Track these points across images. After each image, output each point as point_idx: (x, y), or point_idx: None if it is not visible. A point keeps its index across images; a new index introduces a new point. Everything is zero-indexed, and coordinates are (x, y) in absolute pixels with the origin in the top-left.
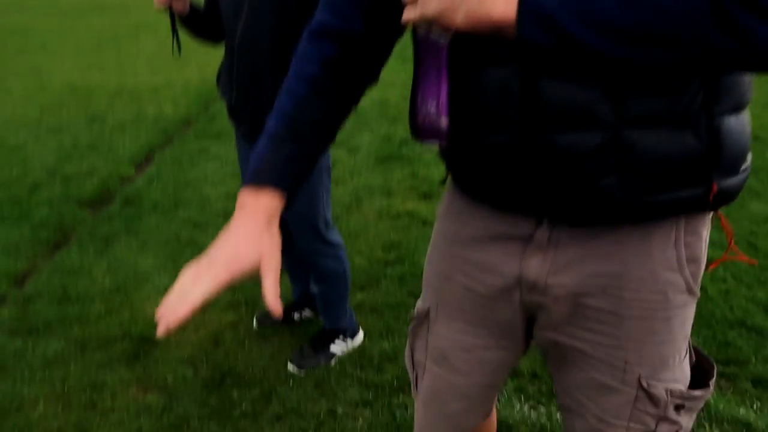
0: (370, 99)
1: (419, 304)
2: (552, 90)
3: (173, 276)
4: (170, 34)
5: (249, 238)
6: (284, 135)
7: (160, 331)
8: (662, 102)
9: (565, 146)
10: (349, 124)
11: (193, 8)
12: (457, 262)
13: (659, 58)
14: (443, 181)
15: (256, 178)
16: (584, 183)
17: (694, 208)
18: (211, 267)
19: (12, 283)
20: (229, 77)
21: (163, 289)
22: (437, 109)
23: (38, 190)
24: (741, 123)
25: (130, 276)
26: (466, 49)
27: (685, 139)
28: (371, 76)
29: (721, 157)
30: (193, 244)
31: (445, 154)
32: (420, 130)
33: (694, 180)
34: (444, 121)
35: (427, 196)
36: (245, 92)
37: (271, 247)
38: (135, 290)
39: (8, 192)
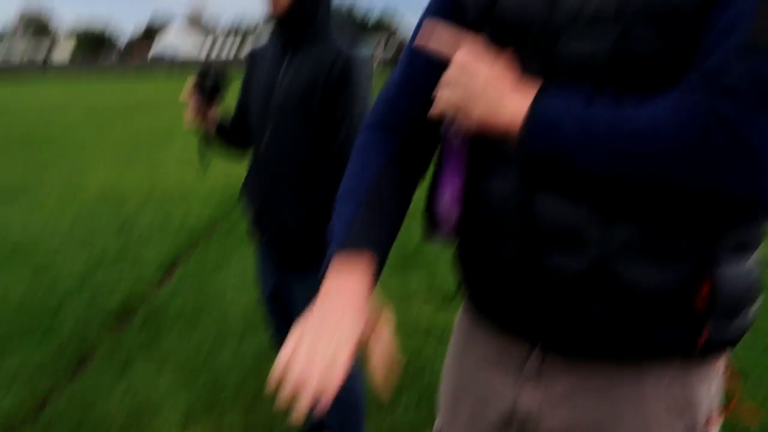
0: None
1: (437, 421)
2: (546, 206)
3: (186, 405)
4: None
5: (358, 303)
6: (367, 208)
7: (306, 406)
8: (652, 231)
9: (553, 267)
10: None
11: (220, 123)
12: (466, 381)
13: (647, 178)
14: (457, 290)
15: (353, 241)
16: (569, 309)
17: (683, 351)
18: (338, 329)
19: (30, 411)
20: (254, 185)
21: (174, 423)
22: (451, 202)
23: (64, 305)
24: (745, 264)
25: (144, 402)
26: (482, 151)
27: (675, 274)
28: (427, 163)
29: (716, 300)
30: (207, 370)
31: (456, 261)
32: (433, 221)
33: (683, 322)
34: (455, 214)
35: (444, 306)
36: (270, 199)
37: (375, 315)
38: (149, 420)
39: (35, 308)
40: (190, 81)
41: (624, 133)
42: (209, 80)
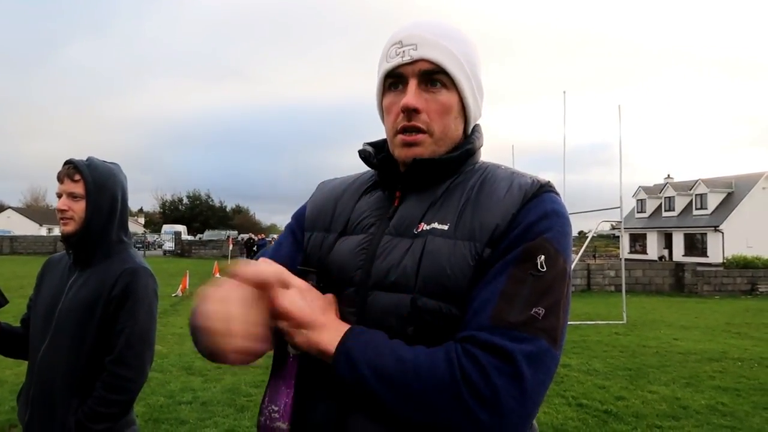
0: (221, 385)
1: None
2: (358, 428)
3: None
4: None
5: None
6: None
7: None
8: None
9: None
10: (193, 413)
11: (2, 327)
12: None
13: (413, 417)
14: None
15: None
16: None
17: None
18: None
19: None
20: (26, 395)
21: None
22: (280, 415)
23: None
24: None
25: None
26: (311, 371)
27: None
28: None
29: None
30: None
31: None
32: (261, 429)
33: None
34: (284, 428)
35: None
36: (42, 408)
37: None
38: None
39: None
40: None
41: (405, 369)
42: None
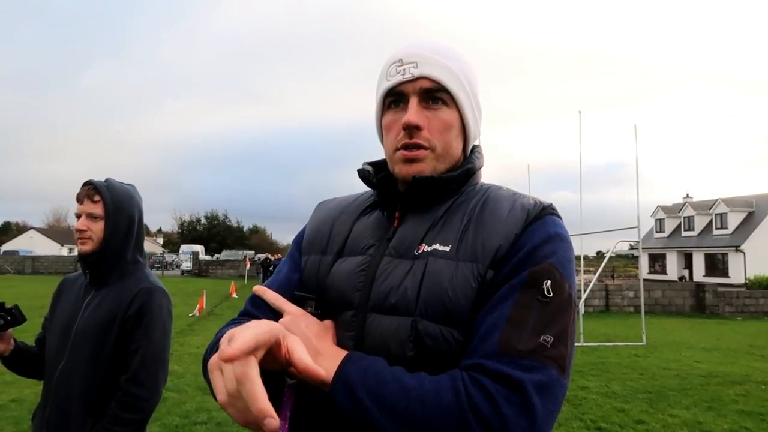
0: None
1: None
2: None
3: None
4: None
5: None
6: None
7: None
8: None
9: None
10: None
11: (18, 347)
12: None
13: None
14: None
15: None
16: None
17: None
18: None
19: None
20: (42, 415)
21: None
22: None
23: None
24: None
25: None
26: (307, 401)
27: None
28: None
29: None
30: None
31: None
32: None
33: None
34: None
35: None
36: (54, 429)
37: None
38: None
39: None
40: None
41: (408, 397)
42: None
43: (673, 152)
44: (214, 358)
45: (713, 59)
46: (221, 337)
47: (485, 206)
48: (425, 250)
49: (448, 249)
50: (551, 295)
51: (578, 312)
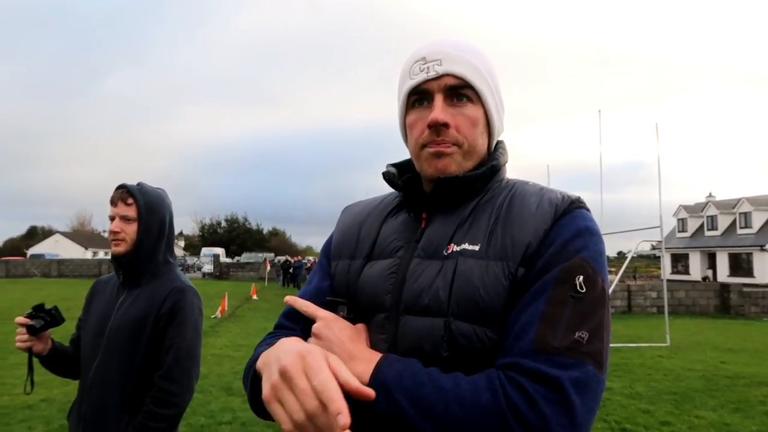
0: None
1: None
2: None
3: None
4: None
5: None
6: None
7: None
8: None
9: None
10: None
11: (55, 347)
12: None
13: None
14: None
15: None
16: None
17: None
18: None
19: None
20: (78, 412)
21: None
22: None
23: None
24: None
25: None
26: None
27: None
28: None
29: None
30: None
31: None
32: None
33: None
34: None
35: None
36: (91, 425)
37: None
38: None
39: None
40: (21, 319)
41: (446, 399)
42: (38, 321)
43: (694, 151)
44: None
45: (735, 56)
46: (260, 353)
47: (512, 203)
48: (455, 249)
49: (477, 248)
50: (584, 290)
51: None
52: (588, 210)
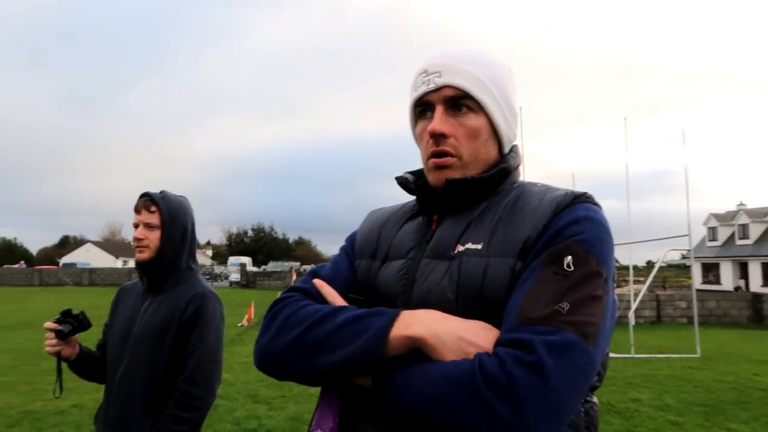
0: (285, 413)
1: None
2: None
3: None
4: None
5: None
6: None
7: None
8: None
9: None
10: None
11: (83, 352)
12: None
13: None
14: None
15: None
16: None
17: None
18: None
19: None
20: (104, 415)
21: None
22: None
23: None
24: None
25: None
26: (353, 399)
27: None
28: None
29: None
30: None
31: None
32: None
33: None
34: None
35: None
36: (116, 429)
37: None
38: None
39: None
40: (50, 324)
41: (442, 379)
42: (67, 326)
43: (723, 159)
44: None
45: (763, 63)
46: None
47: (516, 202)
48: (460, 250)
49: (479, 247)
50: (572, 269)
51: (628, 320)
52: (596, 204)
